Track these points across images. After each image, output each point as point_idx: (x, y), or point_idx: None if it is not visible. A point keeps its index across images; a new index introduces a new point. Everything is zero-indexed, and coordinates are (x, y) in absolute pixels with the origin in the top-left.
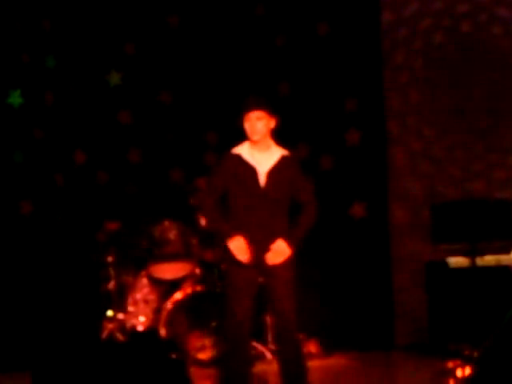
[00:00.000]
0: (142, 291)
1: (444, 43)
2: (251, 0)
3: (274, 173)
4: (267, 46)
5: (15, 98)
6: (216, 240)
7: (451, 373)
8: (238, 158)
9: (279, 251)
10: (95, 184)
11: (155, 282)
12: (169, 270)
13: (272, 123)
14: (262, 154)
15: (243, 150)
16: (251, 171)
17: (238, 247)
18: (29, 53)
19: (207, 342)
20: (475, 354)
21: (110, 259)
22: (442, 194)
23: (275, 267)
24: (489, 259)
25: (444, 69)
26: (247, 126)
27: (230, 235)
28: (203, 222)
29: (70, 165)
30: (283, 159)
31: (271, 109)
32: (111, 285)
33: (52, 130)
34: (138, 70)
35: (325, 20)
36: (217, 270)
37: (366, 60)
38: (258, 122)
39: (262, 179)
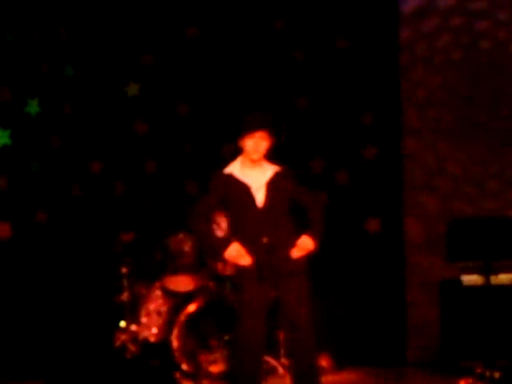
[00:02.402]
0: (156, 303)
1: (463, 60)
2: (270, 14)
3: (269, 188)
4: (286, 59)
5: (33, 107)
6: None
7: None
8: (229, 176)
9: (304, 246)
10: (111, 194)
11: (168, 294)
12: (182, 283)
13: (271, 142)
14: (254, 171)
15: (234, 169)
16: (244, 188)
17: (235, 254)
18: (47, 62)
19: (219, 355)
20: (488, 373)
21: (124, 270)
22: (458, 211)
23: (288, 275)
24: (503, 278)
25: (462, 85)
26: (250, 144)
27: (224, 247)
28: (219, 233)
29: (87, 175)
30: (277, 174)
31: (273, 128)
32: (125, 296)
33: (69, 140)
34: (155, 81)
35: (344, 35)
36: (230, 282)
37: (383, 75)
38: (262, 142)
39: (258, 195)
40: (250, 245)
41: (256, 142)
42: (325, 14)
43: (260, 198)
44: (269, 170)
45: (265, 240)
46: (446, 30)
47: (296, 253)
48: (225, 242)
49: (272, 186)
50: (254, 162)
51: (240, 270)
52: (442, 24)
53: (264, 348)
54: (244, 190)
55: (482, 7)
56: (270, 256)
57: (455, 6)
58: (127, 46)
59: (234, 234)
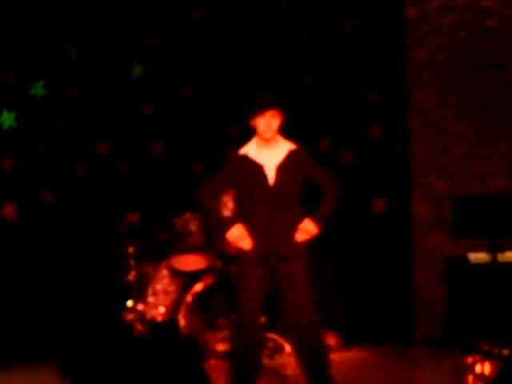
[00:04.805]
0: (162, 282)
1: (468, 39)
2: None
3: (282, 168)
4: (291, 39)
5: (38, 89)
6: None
7: (470, 368)
8: (245, 157)
9: (307, 230)
10: (117, 175)
11: (175, 274)
12: (189, 262)
13: (282, 120)
14: (269, 151)
15: (250, 149)
16: (258, 168)
17: (237, 236)
18: (52, 44)
19: (226, 334)
20: (495, 350)
21: (130, 250)
22: (464, 189)
23: (289, 259)
24: (510, 255)
25: (467, 64)
26: (262, 123)
27: (227, 227)
28: (225, 213)
29: (92, 156)
30: (291, 153)
31: (282, 106)
32: (131, 275)
33: (74, 121)
34: (160, 62)
35: (349, 14)
36: (237, 262)
37: (389, 55)
38: (274, 121)
39: (271, 175)
40: (255, 225)
41: (267, 121)
42: None
43: (272, 177)
44: (284, 149)
45: (271, 221)
46: (451, 9)
47: (298, 237)
48: (228, 223)
49: (285, 164)
50: (268, 140)
51: (240, 251)
52: (447, 3)
53: (261, 328)
54: (257, 170)
55: None
56: (273, 239)
57: None
58: (132, 28)
59: (241, 214)
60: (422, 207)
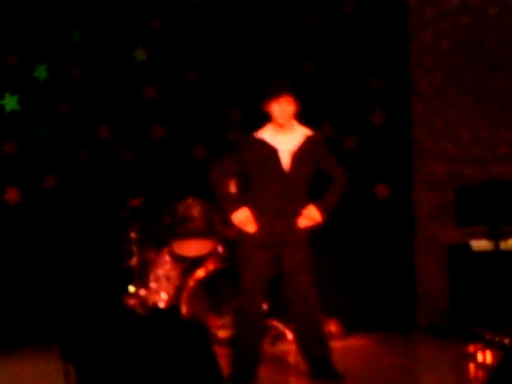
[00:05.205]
0: (165, 268)
1: (471, 24)
2: None
3: (297, 153)
4: (293, 24)
5: (41, 72)
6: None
7: (472, 356)
8: (260, 141)
9: (310, 216)
10: (119, 159)
11: (177, 259)
12: (191, 247)
13: (297, 105)
14: (285, 136)
15: (265, 133)
16: (273, 152)
17: (243, 219)
18: (55, 27)
19: (228, 320)
20: (497, 338)
21: (132, 235)
22: (467, 176)
23: (291, 244)
24: None
25: (471, 50)
26: (277, 109)
27: (233, 210)
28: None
29: (95, 140)
30: (307, 139)
31: (296, 91)
32: (133, 261)
33: (77, 105)
34: (164, 46)
35: None
36: (239, 246)
37: (392, 40)
38: (289, 106)
39: (284, 160)
40: (262, 209)
41: (282, 107)
42: None
43: (286, 161)
44: (299, 134)
45: (279, 205)
46: None
47: (301, 222)
48: (235, 205)
49: (301, 150)
50: (283, 126)
51: (243, 235)
52: None
53: (263, 315)
54: (271, 154)
55: None
56: (277, 224)
57: None
58: (135, 11)
59: (248, 197)
60: (424, 194)
